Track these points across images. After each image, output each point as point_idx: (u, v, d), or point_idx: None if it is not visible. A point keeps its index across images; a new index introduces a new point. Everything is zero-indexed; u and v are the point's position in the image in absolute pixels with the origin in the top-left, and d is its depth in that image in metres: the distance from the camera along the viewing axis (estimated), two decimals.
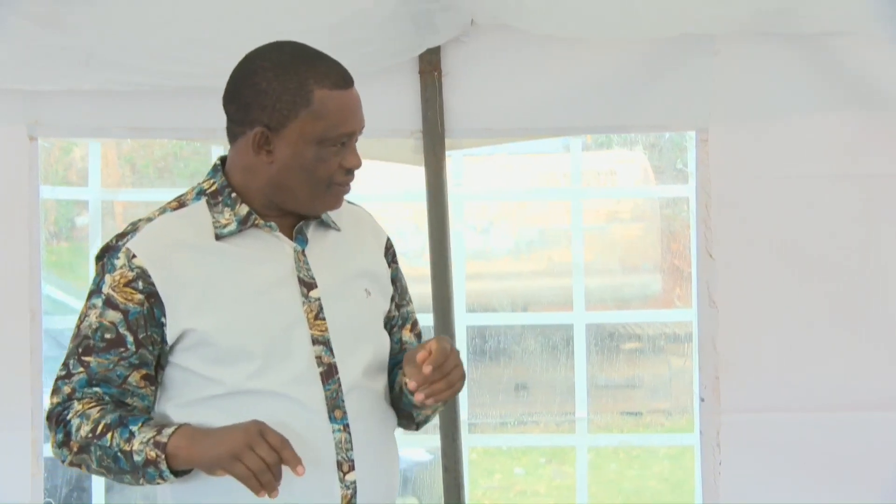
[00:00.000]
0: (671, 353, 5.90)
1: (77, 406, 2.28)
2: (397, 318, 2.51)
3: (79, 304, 5.54)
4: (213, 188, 2.37)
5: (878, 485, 3.64)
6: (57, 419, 2.29)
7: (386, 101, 3.63)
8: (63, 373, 2.32)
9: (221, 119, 3.61)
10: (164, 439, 2.21)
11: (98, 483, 3.98)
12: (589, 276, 4.38)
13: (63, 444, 2.28)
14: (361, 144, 3.84)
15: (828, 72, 3.61)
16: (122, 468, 2.24)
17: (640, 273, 6.29)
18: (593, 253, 5.61)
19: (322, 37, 3.48)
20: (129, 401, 2.30)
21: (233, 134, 2.36)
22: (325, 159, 2.31)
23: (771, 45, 3.60)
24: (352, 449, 2.33)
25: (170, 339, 2.30)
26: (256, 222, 2.34)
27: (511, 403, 5.33)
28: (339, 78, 2.33)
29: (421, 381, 2.27)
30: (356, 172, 2.36)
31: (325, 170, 2.32)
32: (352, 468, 2.32)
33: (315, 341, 2.33)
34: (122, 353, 2.28)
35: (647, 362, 5.91)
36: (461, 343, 4.04)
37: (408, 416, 2.50)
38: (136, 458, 2.22)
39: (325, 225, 2.42)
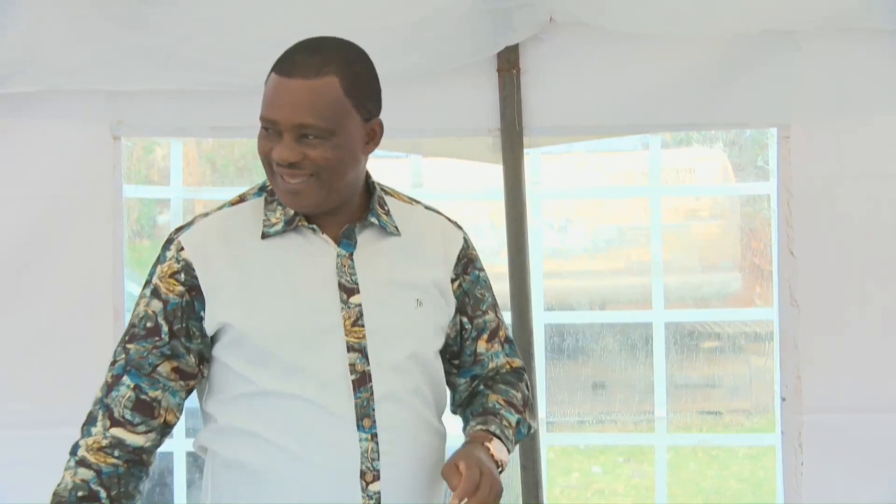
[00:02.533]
0: (751, 353, 5.84)
1: (89, 439, 2.32)
2: (471, 331, 2.48)
3: None
4: (272, 187, 2.36)
5: None
6: (82, 428, 2.35)
7: (464, 99, 3.63)
8: (112, 359, 2.35)
9: None
10: None
11: (180, 479, 4.02)
12: (668, 275, 4.35)
13: (71, 451, 2.35)
14: (441, 142, 3.85)
15: None
16: None
17: (720, 271, 6.24)
18: (672, 251, 5.56)
19: (401, 35, 3.52)
20: (155, 394, 2.31)
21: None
22: (261, 139, 2.29)
23: (854, 40, 3.55)
24: (378, 459, 2.29)
25: (209, 332, 2.31)
26: (301, 223, 2.33)
27: (589, 402, 5.30)
28: (285, 64, 2.27)
29: None
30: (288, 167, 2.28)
31: (261, 149, 2.29)
32: (376, 478, 2.28)
33: (350, 348, 2.30)
34: (156, 342, 2.31)
35: (726, 361, 5.86)
36: (539, 341, 4.02)
37: None
38: None
39: (383, 229, 2.38)
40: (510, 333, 2.57)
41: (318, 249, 2.34)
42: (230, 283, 2.30)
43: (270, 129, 2.27)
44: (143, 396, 2.31)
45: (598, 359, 5.15)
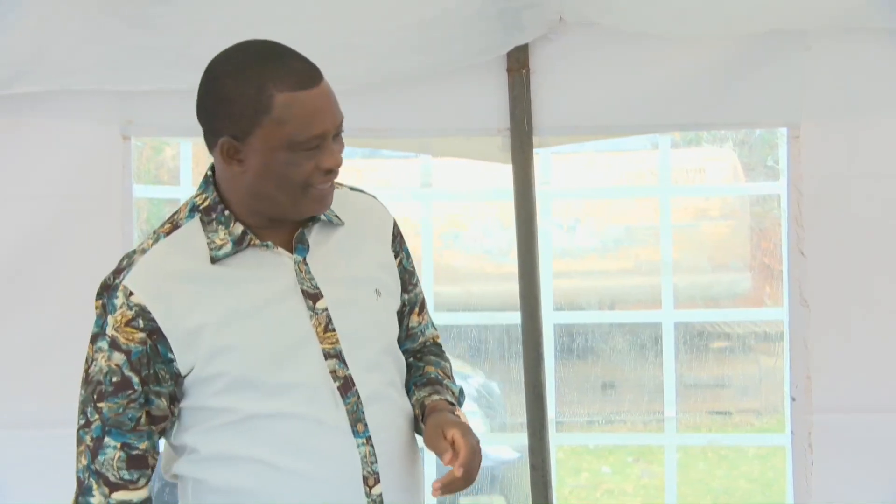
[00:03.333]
0: (761, 352, 5.84)
1: (93, 501, 2.26)
2: (406, 305, 2.44)
3: None
4: (206, 204, 2.28)
5: None
6: (77, 496, 2.30)
7: (473, 99, 3.63)
8: (83, 421, 2.28)
9: None
10: None
11: None
12: (677, 274, 4.35)
13: None
14: (450, 142, 3.85)
15: None
16: None
17: (730, 271, 6.24)
18: (682, 251, 5.56)
19: (410, 35, 3.52)
20: (143, 445, 2.26)
21: (209, 144, 2.27)
22: (297, 164, 2.19)
23: (864, 39, 3.54)
24: (376, 462, 2.27)
25: (182, 371, 2.23)
26: (252, 242, 2.25)
27: (598, 402, 5.30)
28: (302, 77, 2.20)
29: (447, 483, 2.23)
30: (340, 169, 2.26)
31: (299, 174, 2.19)
32: (377, 481, 2.27)
33: (327, 355, 2.26)
34: (129, 396, 2.23)
35: (736, 361, 5.86)
36: (548, 341, 4.02)
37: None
38: None
39: (329, 223, 2.32)
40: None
41: (274, 262, 2.27)
42: (191, 319, 2.21)
43: (313, 148, 2.19)
44: (133, 452, 2.26)
45: (608, 359, 5.15)
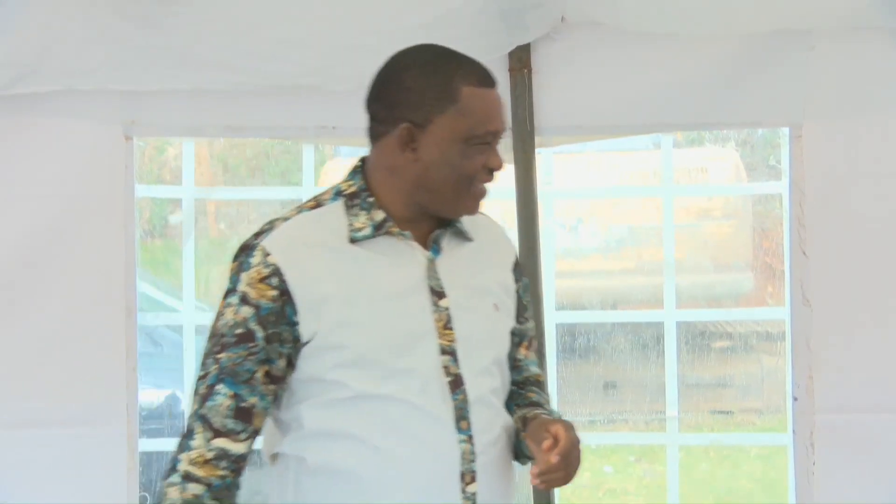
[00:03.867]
0: (763, 352, 5.85)
1: (192, 453, 2.27)
2: (515, 335, 2.47)
3: (172, 302, 5.61)
4: (352, 190, 2.36)
5: None
6: (178, 441, 2.31)
7: None
8: (201, 373, 2.32)
9: (312, 118, 3.66)
10: None
11: None
12: (680, 274, 4.35)
13: (165, 472, 2.30)
14: None
15: None
16: None
17: (732, 271, 6.24)
18: (684, 250, 5.57)
19: (414, 36, 3.50)
20: (252, 400, 2.28)
21: (375, 134, 2.36)
22: (470, 157, 2.30)
23: (866, 40, 3.54)
24: (475, 461, 2.30)
25: (303, 338, 2.28)
26: (391, 229, 2.32)
27: (600, 401, 5.31)
28: (485, 77, 2.33)
29: (544, 469, 2.25)
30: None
31: (470, 168, 2.30)
32: (473, 479, 2.30)
33: (443, 351, 2.31)
34: (250, 348, 2.27)
35: (738, 361, 5.87)
36: (550, 340, 4.02)
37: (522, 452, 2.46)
38: None
39: (461, 235, 2.40)
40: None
41: (407, 254, 2.34)
42: (322, 288, 2.28)
43: (484, 142, 2.31)
44: (242, 404, 2.28)
45: (610, 358, 5.16)
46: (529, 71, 3.61)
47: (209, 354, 2.31)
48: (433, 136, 2.29)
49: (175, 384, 4.87)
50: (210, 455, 2.27)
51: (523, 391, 2.49)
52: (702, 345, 5.60)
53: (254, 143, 5.11)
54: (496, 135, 2.33)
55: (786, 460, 3.77)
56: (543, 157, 3.92)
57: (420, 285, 2.32)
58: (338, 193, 2.37)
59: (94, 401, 3.58)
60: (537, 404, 2.45)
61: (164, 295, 5.52)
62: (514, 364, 2.47)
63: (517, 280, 2.47)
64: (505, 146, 3.62)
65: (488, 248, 2.44)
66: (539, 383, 2.53)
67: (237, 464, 2.30)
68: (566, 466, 2.27)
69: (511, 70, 3.62)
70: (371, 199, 2.34)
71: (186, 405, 4.01)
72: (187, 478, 2.26)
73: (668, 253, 4.14)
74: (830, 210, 3.62)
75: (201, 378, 2.31)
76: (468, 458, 2.30)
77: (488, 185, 2.35)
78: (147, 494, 4.62)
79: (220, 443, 2.28)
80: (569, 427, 2.28)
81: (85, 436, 3.58)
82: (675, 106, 3.63)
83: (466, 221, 2.41)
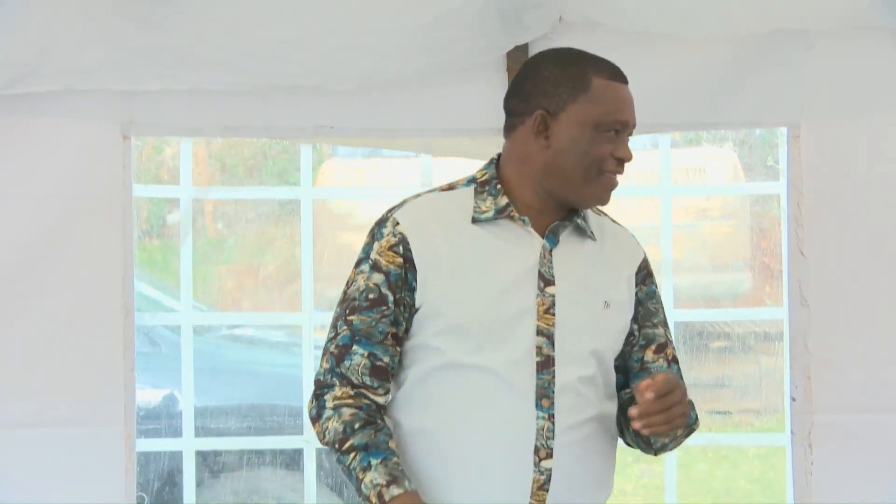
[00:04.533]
0: (761, 352, 5.84)
1: (337, 391, 2.44)
2: (638, 338, 2.58)
3: (170, 301, 5.61)
4: (484, 178, 2.54)
5: None
6: (316, 392, 2.48)
7: (474, 98, 3.62)
8: (331, 335, 2.49)
9: (310, 118, 3.65)
10: (387, 497, 2.37)
11: (189, 478, 4.03)
12: (678, 274, 4.35)
13: (313, 419, 2.47)
14: (451, 142, 3.85)
15: None
16: (350, 480, 2.43)
17: (730, 271, 6.24)
18: (682, 250, 5.57)
19: (413, 36, 3.52)
20: (387, 359, 2.45)
21: (511, 126, 2.54)
22: (599, 143, 2.46)
23: (865, 40, 3.54)
24: (553, 438, 2.42)
25: (417, 303, 2.46)
26: (511, 214, 2.49)
27: None
28: (616, 72, 2.51)
29: (641, 410, 2.34)
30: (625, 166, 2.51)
31: (598, 153, 2.46)
32: (549, 455, 2.42)
33: (539, 332, 2.45)
34: (383, 311, 2.45)
35: (736, 361, 5.87)
36: None
37: (646, 441, 2.55)
38: (364, 488, 2.39)
39: (582, 232, 2.54)
40: (676, 355, 2.64)
41: (524, 239, 2.49)
42: (439, 259, 2.45)
43: (612, 130, 2.46)
44: (377, 363, 2.46)
45: None
46: None
47: (340, 317, 2.49)
48: (565, 123, 2.46)
49: (173, 384, 4.87)
50: (353, 393, 2.44)
51: None
52: (700, 345, 5.59)
53: (251, 142, 5.11)
54: (625, 125, 2.48)
55: (784, 460, 3.77)
56: None
57: (530, 270, 2.47)
58: (471, 180, 2.56)
59: (91, 401, 3.58)
60: None
61: (161, 295, 5.52)
62: (642, 366, 2.58)
63: (640, 284, 2.59)
64: (502, 146, 3.66)
65: (611, 251, 2.57)
66: None
67: (379, 409, 2.47)
68: (667, 410, 2.35)
69: (509, 70, 3.62)
70: (499, 187, 2.51)
71: (184, 405, 4.02)
72: (337, 408, 2.43)
73: (666, 253, 4.14)
74: (828, 210, 3.62)
75: (331, 339, 2.48)
76: (546, 434, 2.42)
77: (618, 178, 2.51)
78: (144, 495, 4.62)
79: (360, 392, 2.45)
80: (671, 375, 2.37)
81: (82, 436, 3.57)
82: (673, 106, 3.63)
83: (594, 223, 2.56)
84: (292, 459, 4.82)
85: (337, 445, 2.43)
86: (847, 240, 3.61)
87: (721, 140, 5.50)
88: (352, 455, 2.41)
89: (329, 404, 2.44)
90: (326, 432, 2.44)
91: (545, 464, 2.42)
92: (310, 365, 3.96)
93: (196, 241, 4.30)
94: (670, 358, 2.60)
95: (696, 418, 2.60)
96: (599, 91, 2.47)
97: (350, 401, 2.44)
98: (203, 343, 5.00)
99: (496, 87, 3.61)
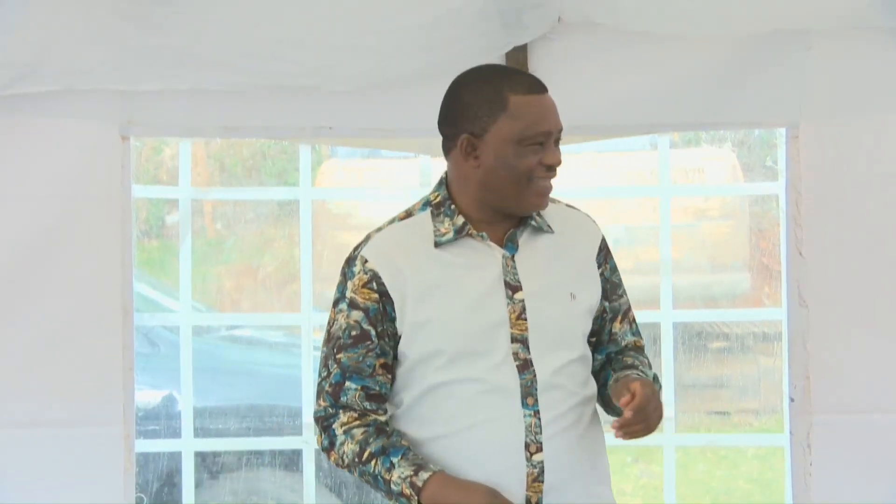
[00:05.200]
0: (759, 353, 5.85)
1: (342, 418, 2.59)
2: (608, 312, 2.71)
3: (169, 302, 5.61)
4: (437, 200, 2.65)
5: None
6: (323, 424, 2.62)
7: None
8: (324, 373, 2.62)
9: (309, 118, 3.66)
10: (420, 483, 2.50)
11: (188, 478, 4.02)
12: (677, 274, 4.35)
13: (327, 449, 2.61)
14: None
15: None
16: (379, 488, 2.57)
17: (729, 271, 6.24)
18: (681, 251, 5.57)
19: (412, 36, 3.52)
20: (378, 389, 2.59)
21: (447, 149, 2.64)
22: (523, 156, 2.55)
23: (866, 40, 3.54)
24: (541, 433, 2.55)
25: (399, 332, 2.58)
26: (470, 232, 2.60)
27: None
28: (532, 84, 2.60)
29: (622, 423, 2.48)
30: (558, 169, 2.59)
31: (525, 166, 2.55)
32: (539, 450, 2.54)
33: (514, 339, 2.57)
34: (368, 346, 2.58)
35: (735, 361, 5.87)
36: None
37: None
38: (394, 487, 2.53)
39: (538, 230, 2.64)
40: (634, 314, 2.77)
41: (485, 254, 2.61)
42: (412, 287, 2.57)
43: (536, 143, 2.55)
44: (371, 392, 2.60)
45: None
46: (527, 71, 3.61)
47: (329, 357, 2.61)
48: (490, 143, 2.56)
49: (172, 385, 4.87)
50: (358, 415, 2.59)
51: (621, 356, 2.73)
52: (698, 345, 5.60)
53: (250, 143, 5.11)
54: (547, 135, 2.56)
55: (782, 461, 3.77)
56: None
57: (496, 281, 2.58)
58: (426, 204, 2.66)
59: (90, 401, 3.58)
60: (631, 366, 2.68)
61: (160, 295, 5.52)
62: (611, 338, 2.72)
63: (601, 264, 2.69)
64: None
65: (569, 238, 2.67)
66: (637, 348, 2.77)
67: (385, 423, 2.61)
68: (644, 419, 2.50)
69: None
70: (453, 207, 2.62)
71: (183, 406, 4.01)
72: (347, 431, 2.57)
73: (665, 253, 4.14)
74: (827, 210, 3.62)
75: (324, 378, 2.61)
76: (534, 430, 2.55)
77: (551, 181, 2.59)
78: (143, 495, 4.62)
79: (365, 414, 2.60)
80: (646, 384, 2.51)
81: (81, 436, 3.57)
82: (672, 106, 3.63)
83: (548, 215, 2.66)
84: (291, 460, 4.81)
85: (357, 460, 2.56)
86: (846, 240, 3.61)
87: (720, 140, 5.50)
88: (373, 462, 2.54)
89: (339, 431, 2.58)
90: (344, 456, 2.58)
91: (536, 457, 2.54)
92: (309, 365, 3.96)
93: (195, 241, 4.30)
94: (631, 319, 2.75)
95: (656, 378, 2.74)
96: (517, 107, 2.55)
97: (357, 422, 2.58)
98: (202, 343, 4.99)
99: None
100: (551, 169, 2.58)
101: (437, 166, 4.14)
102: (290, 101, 3.59)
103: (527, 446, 2.54)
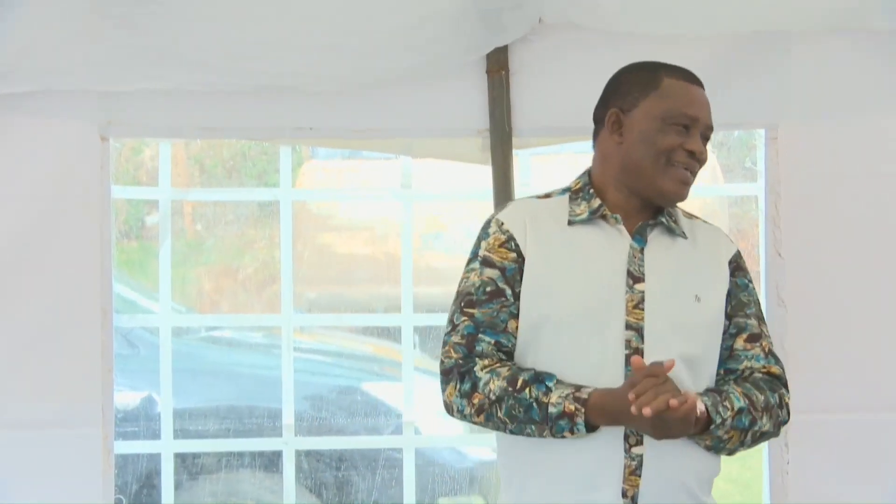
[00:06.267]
0: None
1: (483, 361, 2.56)
2: (729, 327, 2.67)
3: (148, 303, 5.60)
4: (578, 186, 2.71)
5: None
6: (459, 372, 2.57)
7: (453, 100, 3.63)
8: (449, 328, 2.63)
9: (290, 119, 3.65)
10: (585, 396, 2.48)
11: (167, 480, 4.01)
12: None
13: (467, 394, 2.56)
14: (430, 143, 3.85)
15: None
16: (531, 418, 2.51)
17: None
18: None
19: (393, 38, 3.52)
20: (509, 346, 2.59)
21: (595, 133, 2.72)
22: (667, 135, 2.60)
23: (845, 41, 3.56)
24: None
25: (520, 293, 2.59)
26: (604, 213, 2.64)
27: None
28: (690, 76, 2.68)
29: (640, 391, 2.42)
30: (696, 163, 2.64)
31: (666, 144, 2.60)
32: (639, 442, 2.52)
33: (628, 326, 2.56)
34: (503, 303, 2.60)
35: None
36: None
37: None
38: (552, 409, 2.49)
39: (671, 231, 2.68)
40: (774, 349, 2.71)
41: (614, 239, 2.64)
42: (536, 255, 2.60)
43: (682, 126, 2.61)
44: (503, 348, 2.59)
45: None
46: (507, 72, 3.62)
47: (457, 311, 2.62)
48: (636, 119, 2.63)
49: (151, 386, 4.85)
50: (497, 361, 2.57)
51: (734, 384, 2.62)
52: None
53: (230, 144, 5.10)
54: (693, 120, 2.62)
55: (761, 461, 3.78)
56: (521, 159, 3.92)
57: (619, 268, 2.60)
58: (566, 190, 2.72)
59: (69, 403, 3.57)
60: (716, 392, 2.58)
61: (140, 296, 5.50)
62: (732, 353, 2.67)
63: (730, 277, 2.69)
64: (482, 147, 3.67)
65: (703, 248, 2.70)
66: (769, 376, 2.67)
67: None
68: (661, 426, 2.42)
69: (489, 71, 3.63)
70: (592, 191, 2.67)
71: (162, 407, 4.00)
72: (491, 370, 2.55)
73: None
74: (806, 211, 3.64)
75: (450, 332, 2.62)
76: None
77: (690, 175, 2.62)
78: (122, 497, 4.60)
79: (502, 359, 2.58)
80: (683, 398, 2.40)
81: (60, 437, 3.56)
82: None
83: (685, 224, 2.70)
84: (271, 461, 4.80)
85: (510, 389, 2.51)
86: (824, 241, 3.63)
87: None
88: (528, 390, 2.50)
89: (481, 373, 2.55)
90: (491, 394, 2.53)
91: (636, 450, 2.52)
92: (289, 366, 3.95)
93: (175, 242, 4.29)
94: (766, 350, 2.69)
95: (759, 428, 2.62)
96: (669, 88, 2.63)
97: (498, 364, 2.56)
98: (181, 345, 4.98)
99: (475, 88, 3.62)
100: (692, 156, 2.61)
101: (419, 167, 4.15)
102: (270, 101, 3.59)
103: (626, 437, 2.52)
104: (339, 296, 5.28)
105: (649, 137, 2.61)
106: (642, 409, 2.38)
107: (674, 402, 2.38)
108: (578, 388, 2.50)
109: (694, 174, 2.66)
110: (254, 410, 5.07)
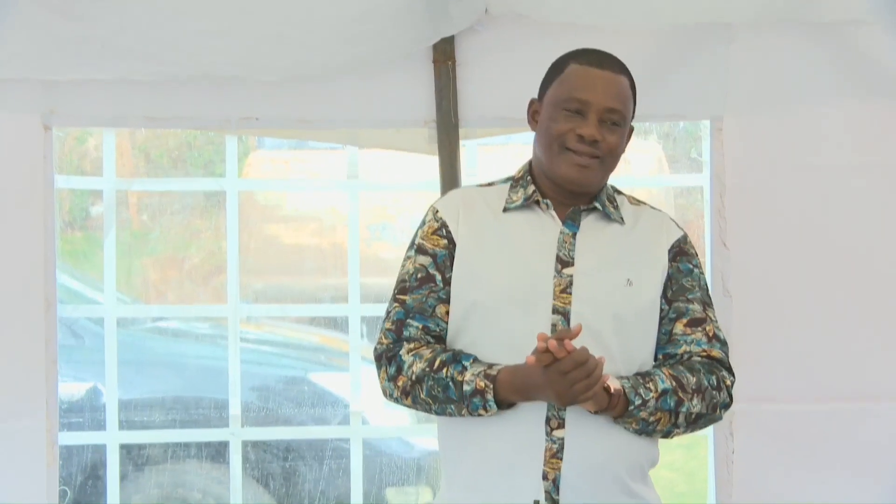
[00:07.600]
0: None
1: (409, 345, 2.61)
2: (668, 312, 2.66)
3: (94, 294, 5.57)
4: (519, 175, 2.74)
5: (893, 476, 3.63)
6: (387, 357, 2.64)
7: (400, 90, 3.63)
8: (387, 312, 2.68)
9: (235, 109, 3.64)
10: (494, 372, 2.52)
11: (113, 471, 3.99)
12: None
13: (393, 378, 2.62)
14: (374, 134, 3.85)
15: (845, 60, 3.60)
16: (449, 397, 2.55)
17: None
18: None
19: (339, 28, 3.51)
20: (438, 331, 2.64)
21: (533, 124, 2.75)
22: (559, 120, 2.61)
23: (787, 33, 3.59)
24: (565, 410, 2.53)
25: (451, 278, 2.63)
26: (536, 199, 2.66)
27: None
28: (598, 60, 2.65)
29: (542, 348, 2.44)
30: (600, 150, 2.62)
31: (556, 129, 2.61)
32: (560, 426, 2.54)
33: (555, 311, 2.58)
34: (432, 288, 2.65)
35: None
36: None
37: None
38: (466, 387, 2.53)
39: (607, 217, 2.68)
40: (722, 335, 2.68)
41: (545, 225, 2.66)
42: (465, 242, 2.65)
43: (574, 111, 2.60)
44: (431, 333, 2.64)
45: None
46: (453, 63, 3.62)
47: (392, 299, 2.68)
48: (544, 107, 2.67)
49: (96, 377, 4.82)
50: (422, 343, 2.62)
51: (664, 366, 2.61)
52: None
53: (176, 133, 5.06)
54: (584, 103, 2.60)
55: (706, 449, 3.81)
56: (468, 149, 3.92)
57: (548, 253, 2.62)
58: (509, 178, 2.76)
59: (12, 394, 3.54)
60: (644, 375, 2.59)
61: (85, 287, 5.46)
62: (671, 338, 2.66)
63: (671, 261, 2.67)
64: (429, 138, 3.67)
65: (640, 231, 2.69)
66: (708, 360, 2.65)
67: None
68: (562, 384, 2.43)
69: (435, 62, 3.63)
70: (529, 178, 2.71)
71: (108, 398, 3.98)
72: (414, 352, 2.60)
73: None
74: (750, 202, 3.66)
75: (386, 318, 2.67)
76: (556, 406, 2.52)
77: (591, 158, 2.60)
78: (67, 489, 4.57)
79: (428, 342, 2.64)
80: (585, 354, 2.42)
81: (3, 430, 3.53)
82: None
83: (628, 210, 2.70)
84: (218, 452, 4.78)
85: (428, 370, 2.56)
86: (769, 231, 3.66)
87: (645, 132, 5.53)
88: (445, 370, 2.55)
89: (406, 356, 2.60)
90: (413, 375, 2.58)
91: (557, 433, 2.54)
92: (235, 357, 3.94)
93: (120, 232, 4.26)
94: (711, 335, 2.66)
95: (687, 409, 2.60)
96: (569, 74, 2.63)
97: (424, 346, 2.62)
98: (127, 335, 4.95)
99: (422, 79, 3.62)
100: (583, 141, 2.59)
101: (365, 157, 4.14)
102: (215, 91, 3.57)
103: (548, 420, 2.54)
104: (285, 286, 5.26)
105: (544, 124, 2.64)
106: (538, 343, 2.42)
107: (553, 342, 2.40)
108: (490, 365, 2.54)
109: (597, 158, 2.62)
110: (200, 401, 5.04)
